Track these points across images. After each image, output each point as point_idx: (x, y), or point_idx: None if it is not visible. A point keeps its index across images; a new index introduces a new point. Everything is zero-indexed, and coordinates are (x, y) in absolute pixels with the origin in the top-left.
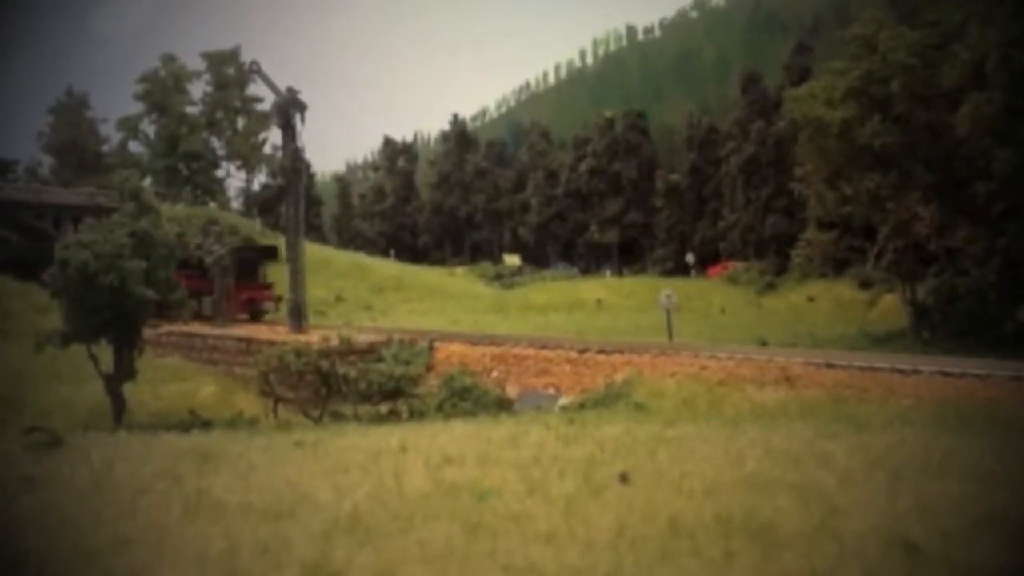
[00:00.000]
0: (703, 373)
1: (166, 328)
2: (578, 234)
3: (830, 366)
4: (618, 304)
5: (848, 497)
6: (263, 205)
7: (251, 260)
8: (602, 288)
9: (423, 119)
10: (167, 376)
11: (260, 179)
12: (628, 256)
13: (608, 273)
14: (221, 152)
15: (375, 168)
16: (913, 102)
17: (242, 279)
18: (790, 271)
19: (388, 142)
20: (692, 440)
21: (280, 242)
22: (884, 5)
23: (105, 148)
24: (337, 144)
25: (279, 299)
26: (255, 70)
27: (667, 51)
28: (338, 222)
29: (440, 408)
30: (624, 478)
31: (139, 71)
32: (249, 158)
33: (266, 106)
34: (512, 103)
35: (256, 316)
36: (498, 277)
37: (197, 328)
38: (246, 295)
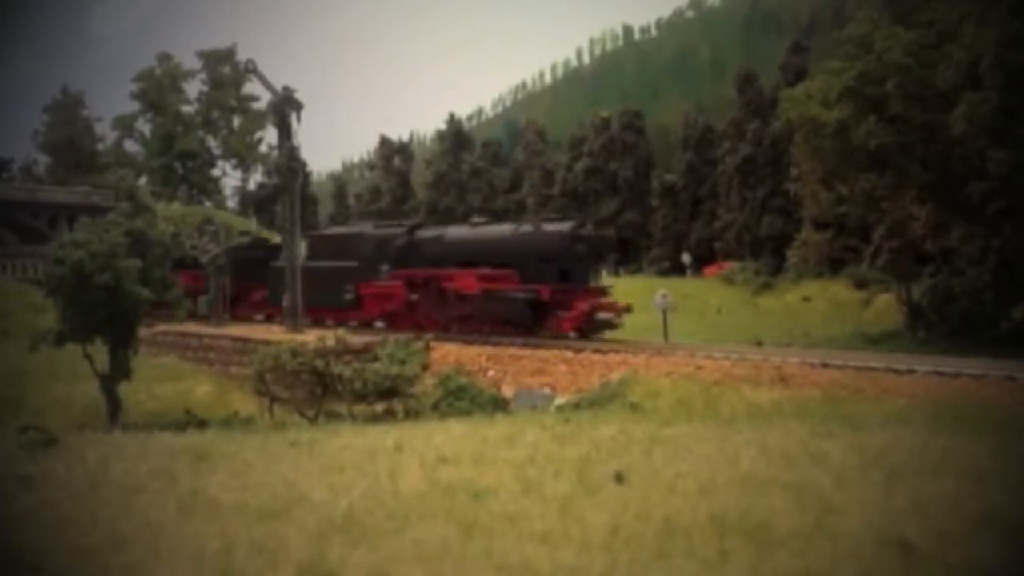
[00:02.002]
0: (699, 373)
1: (162, 327)
2: None
3: (825, 366)
4: None
5: (843, 496)
6: (259, 204)
7: (585, 255)
8: None
9: (419, 118)
10: (163, 375)
11: (256, 178)
12: (624, 256)
13: (604, 273)
14: (217, 151)
15: (371, 167)
16: (908, 102)
17: (572, 281)
18: (786, 271)
19: (384, 141)
20: (687, 440)
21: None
22: (880, 5)
23: (101, 147)
24: (333, 143)
25: (627, 309)
26: (251, 69)
27: (664, 51)
28: (334, 221)
29: (436, 407)
30: (619, 477)
31: (135, 70)
32: (245, 157)
33: (262, 105)
34: (508, 103)
35: (591, 332)
36: None
37: (193, 327)
38: (585, 303)
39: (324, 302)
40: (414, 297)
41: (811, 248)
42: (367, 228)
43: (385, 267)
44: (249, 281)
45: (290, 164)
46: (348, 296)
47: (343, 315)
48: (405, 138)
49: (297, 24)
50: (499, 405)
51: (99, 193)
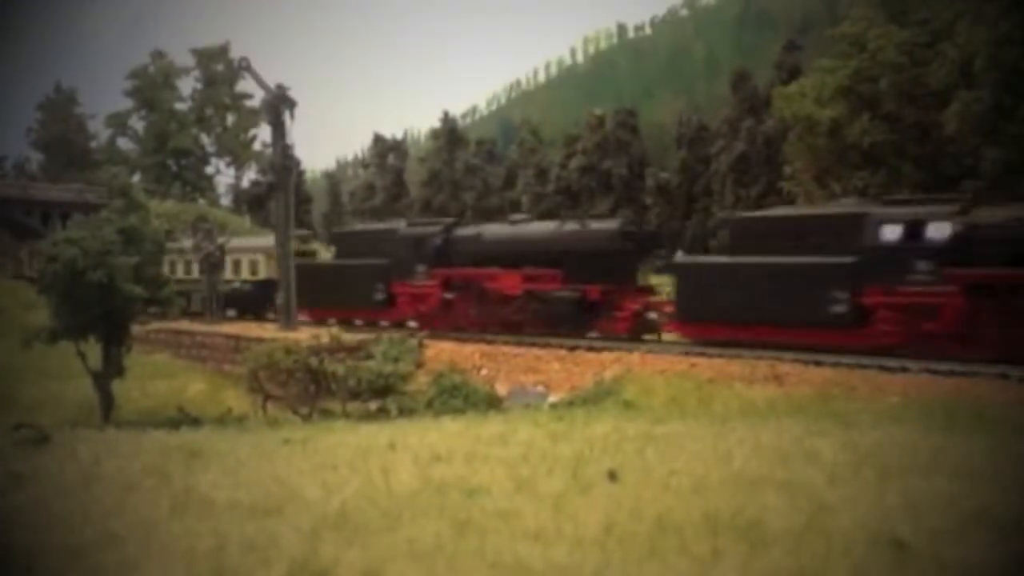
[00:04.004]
0: (692, 370)
1: (155, 325)
2: None
3: (818, 364)
4: None
5: (836, 494)
6: (252, 202)
7: None
8: None
9: (413, 116)
10: (156, 373)
11: (249, 176)
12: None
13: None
14: (210, 148)
15: (365, 165)
16: (902, 100)
17: None
18: None
19: (378, 139)
20: (681, 438)
21: None
22: (874, 3)
23: (94, 144)
24: (327, 141)
25: None
26: (245, 67)
27: (658, 49)
28: (328, 219)
29: (430, 405)
30: (612, 475)
31: (128, 67)
32: (238, 155)
33: (256, 103)
34: (503, 101)
35: None
36: None
37: (186, 325)
38: None
39: (765, 316)
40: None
41: None
42: (872, 207)
43: (924, 266)
44: (607, 282)
45: (284, 162)
46: (835, 308)
47: (816, 336)
48: (399, 136)
49: (291, 22)
50: (493, 403)
51: (92, 190)
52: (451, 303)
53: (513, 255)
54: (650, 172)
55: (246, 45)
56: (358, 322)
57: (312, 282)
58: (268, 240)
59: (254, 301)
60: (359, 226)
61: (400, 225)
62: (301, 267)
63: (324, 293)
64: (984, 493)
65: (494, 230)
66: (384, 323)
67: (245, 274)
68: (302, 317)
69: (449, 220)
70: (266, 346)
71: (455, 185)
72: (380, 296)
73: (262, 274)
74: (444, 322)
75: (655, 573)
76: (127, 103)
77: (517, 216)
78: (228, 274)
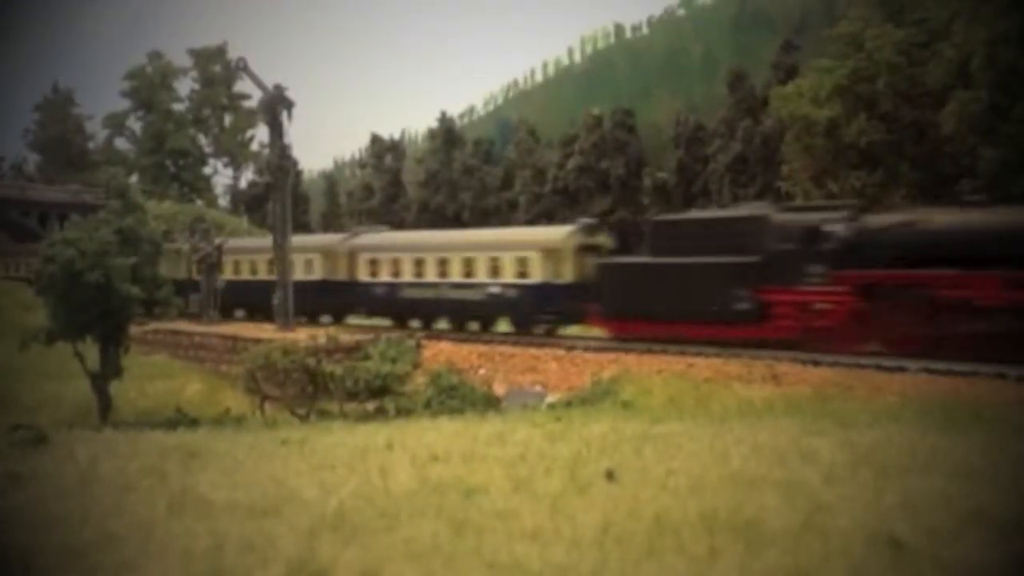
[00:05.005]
0: (690, 371)
1: (153, 325)
2: None
3: (816, 363)
4: None
5: (833, 494)
6: (250, 202)
7: None
8: None
9: (411, 117)
10: (154, 374)
11: (247, 176)
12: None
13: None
14: (208, 149)
15: (362, 165)
16: (899, 100)
17: None
18: None
19: (376, 140)
20: (678, 437)
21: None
22: (871, 3)
23: (91, 145)
24: (325, 142)
25: None
26: (242, 67)
27: (655, 49)
28: (326, 219)
29: (427, 406)
30: (610, 475)
31: (126, 68)
32: (236, 155)
33: (253, 103)
34: (500, 101)
35: None
36: None
37: (183, 326)
38: None
39: None
40: None
41: None
42: None
43: None
44: None
45: (281, 162)
46: None
47: None
48: (396, 136)
49: (290, 22)
50: (491, 403)
51: (90, 191)
52: (868, 316)
53: (984, 252)
54: (647, 172)
55: (246, 45)
56: (691, 341)
57: (622, 286)
58: (548, 232)
59: (528, 309)
60: (693, 213)
61: (769, 211)
62: (605, 267)
63: (642, 301)
64: (982, 493)
65: (945, 218)
66: (732, 339)
67: (509, 276)
68: (599, 332)
69: (849, 202)
70: (263, 347)
71: (452, 186)
72: (744, 306)
73: (536, 276)
74: (854, 341)
75: (653, 573)
76: (125, 103)
77: (973, 197)
78: (483, 276)
